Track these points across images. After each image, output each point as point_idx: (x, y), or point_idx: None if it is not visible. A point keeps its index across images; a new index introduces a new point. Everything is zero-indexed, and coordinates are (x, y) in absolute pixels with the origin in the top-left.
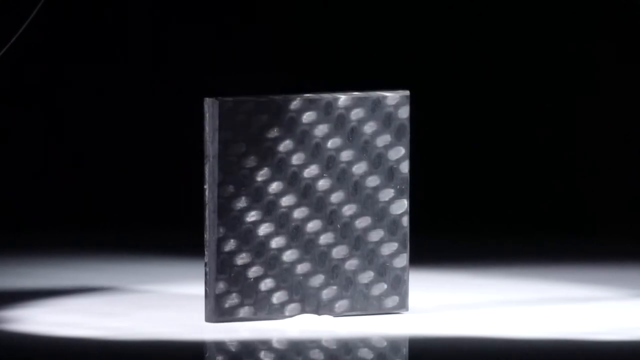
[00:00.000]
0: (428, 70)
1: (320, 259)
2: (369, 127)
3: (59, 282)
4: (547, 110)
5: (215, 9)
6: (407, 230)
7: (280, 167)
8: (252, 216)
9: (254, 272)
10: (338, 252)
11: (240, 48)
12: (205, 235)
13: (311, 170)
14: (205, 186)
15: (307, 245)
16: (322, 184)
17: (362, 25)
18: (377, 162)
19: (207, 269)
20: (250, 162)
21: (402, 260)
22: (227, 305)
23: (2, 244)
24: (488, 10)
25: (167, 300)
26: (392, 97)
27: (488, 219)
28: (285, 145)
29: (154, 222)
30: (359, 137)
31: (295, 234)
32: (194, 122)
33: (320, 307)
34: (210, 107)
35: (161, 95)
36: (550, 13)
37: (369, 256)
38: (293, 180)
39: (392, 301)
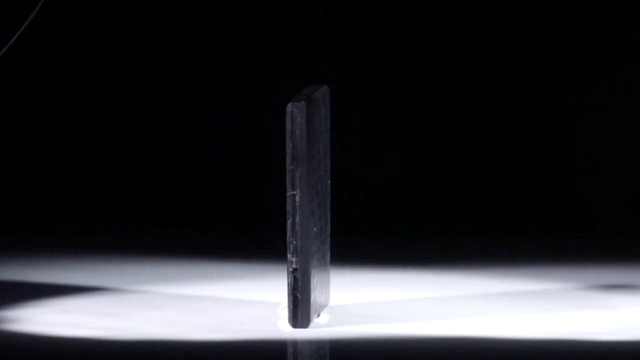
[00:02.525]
0: (428, 68)
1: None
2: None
3: (59, 282)
4: (547, 110)
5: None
6: (329, 227)
7: (317, 168)
8: (314, 219)
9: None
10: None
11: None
12: (293, 242)
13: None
14: (295, 192)
15: (319, 246)
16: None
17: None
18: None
19: (298, 275)
20: (314, 165)
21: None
22: (311, 312)
23: (2, 244)
24: (487, 10)
25: (166, 301)
26: (316, 91)
27: (487, 219)
28: (318, 145)
29: (154, 222)
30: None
31: (317, 236)
32: (193, 121)
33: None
34: (297, 112)
35: (160, 96)
36: (549, 12)
37: (319, 254)
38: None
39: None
